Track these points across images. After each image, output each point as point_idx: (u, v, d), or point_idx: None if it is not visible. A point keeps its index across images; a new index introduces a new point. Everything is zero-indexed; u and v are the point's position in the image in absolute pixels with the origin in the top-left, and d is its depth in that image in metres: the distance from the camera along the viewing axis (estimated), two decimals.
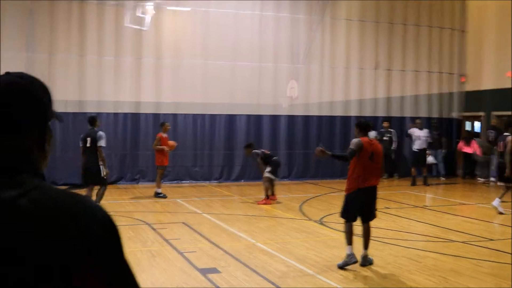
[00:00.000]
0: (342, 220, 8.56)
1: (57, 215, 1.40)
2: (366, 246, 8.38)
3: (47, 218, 1.39)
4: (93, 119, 12.53)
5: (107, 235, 1.45)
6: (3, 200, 1.39)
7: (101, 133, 12.23)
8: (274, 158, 15.06)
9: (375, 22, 21.25)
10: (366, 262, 8.31)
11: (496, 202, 13.23)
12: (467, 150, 20.06)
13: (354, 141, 8.30)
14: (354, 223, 8.42)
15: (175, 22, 19.11)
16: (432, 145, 19.82)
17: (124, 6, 17.87)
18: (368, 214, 8.41)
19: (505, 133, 13.60)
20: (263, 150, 15.39)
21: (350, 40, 20.98)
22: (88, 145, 12.12)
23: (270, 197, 14.69)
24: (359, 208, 8.33)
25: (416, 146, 19.07)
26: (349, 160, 8.24)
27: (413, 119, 20.87)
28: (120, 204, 14.39)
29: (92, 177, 12.20)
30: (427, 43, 21.96)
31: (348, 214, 8.35)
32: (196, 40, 19.07)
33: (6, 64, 16.27)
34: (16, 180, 1.43)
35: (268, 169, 14.57)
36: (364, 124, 8.50)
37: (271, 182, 14.67)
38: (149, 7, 17.88)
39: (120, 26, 18.08)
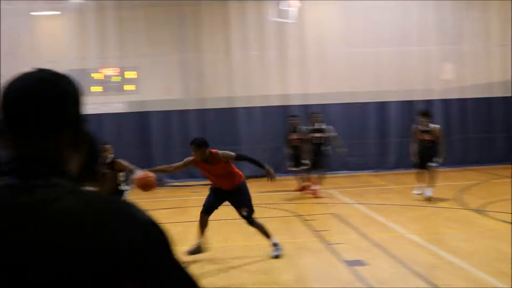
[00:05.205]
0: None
1: (90, 222, 1.31)
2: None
3: (80, 225, 1.30)
4: None
5: (147, 242, 1.34)
6: (37, 203, 1.32)
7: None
8: None
9: None
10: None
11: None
12: None
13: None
14: None
15: (316, 13, 18.91)
16: None
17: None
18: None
19: None
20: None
21: None
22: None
23: None
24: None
25: None
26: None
27: None
28: (269, 196, 14.42)
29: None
30: None
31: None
32: (338, 29, 18.85)
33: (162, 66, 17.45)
34: (52, 183, 1.35)
35: None
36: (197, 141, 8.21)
37: None
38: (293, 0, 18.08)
39: (262, 22, 18.43)
